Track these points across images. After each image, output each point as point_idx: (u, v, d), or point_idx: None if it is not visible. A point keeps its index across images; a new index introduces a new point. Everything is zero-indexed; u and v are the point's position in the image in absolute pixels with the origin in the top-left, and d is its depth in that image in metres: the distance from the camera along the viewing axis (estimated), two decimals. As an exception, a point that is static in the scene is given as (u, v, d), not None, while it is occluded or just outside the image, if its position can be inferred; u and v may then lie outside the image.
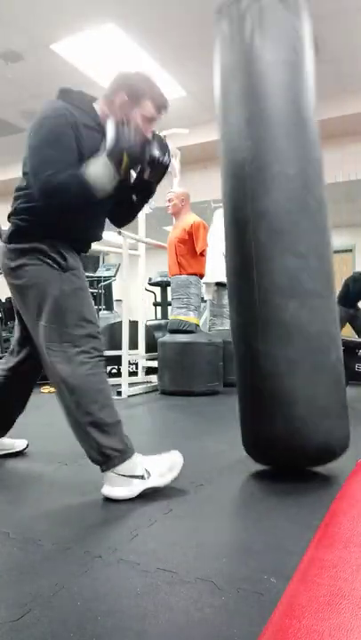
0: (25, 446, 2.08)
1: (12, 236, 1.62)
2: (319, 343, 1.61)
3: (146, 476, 1.52)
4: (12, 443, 2.06)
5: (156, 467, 1.56)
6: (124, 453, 1.51)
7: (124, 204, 1.75)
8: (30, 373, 1.89)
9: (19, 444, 2.07)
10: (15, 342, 1.88)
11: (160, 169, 1.58)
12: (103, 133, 1.52)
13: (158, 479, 1.54)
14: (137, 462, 1.53)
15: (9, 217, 1.65)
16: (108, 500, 1.50)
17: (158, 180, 1.64)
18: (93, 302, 1.72)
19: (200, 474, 1.75)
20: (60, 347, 1.53)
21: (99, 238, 1.80)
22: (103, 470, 1.52)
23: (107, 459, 1.50)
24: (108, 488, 1.51)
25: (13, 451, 2.05)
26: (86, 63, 4.70)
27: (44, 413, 2.24)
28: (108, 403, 1.54)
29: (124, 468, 1.50)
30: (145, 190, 1.70)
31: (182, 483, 1.65)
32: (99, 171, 1.46)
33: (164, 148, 1.57)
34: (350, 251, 9.44)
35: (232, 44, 1.73)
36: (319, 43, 4.20)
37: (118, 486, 1.50)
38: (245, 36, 1.69)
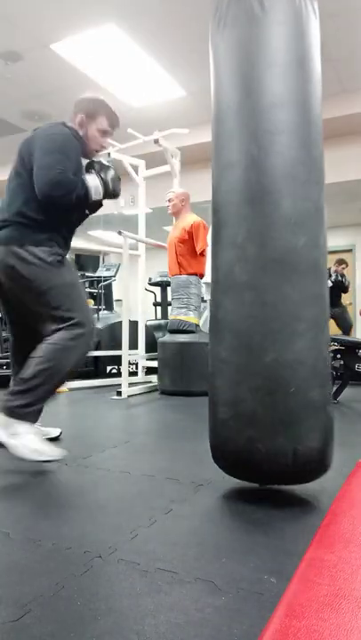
0: (59, 433, 2.34)
1: (10, 237, 1.89)
2: (249, 341, 1.39)
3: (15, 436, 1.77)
4: (49, 430, 2.28)
5: (32, 441, 1.79)
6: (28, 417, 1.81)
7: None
8: None
9: (54, 431, 2.32)
10: (14, 352, 2.15)
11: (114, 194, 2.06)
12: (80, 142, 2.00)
13: (22, 448, 1.77)
14: (30, 428, 1.81)
15: (4, 220, 1.92)
16: (108, 500, 1.50)
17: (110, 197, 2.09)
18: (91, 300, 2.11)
19: (200, 474, 1.75)
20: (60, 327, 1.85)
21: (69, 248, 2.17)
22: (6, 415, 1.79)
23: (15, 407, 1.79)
24: None
25: (52, 436, 2.28)
26: (86, 63, 4.69)
27: (44, 413, 2.24)
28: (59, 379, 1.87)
29: (20, 423, 1.79)
30: (96, 206, 2.12)
31: (182, 483, 1.65)
32: (95, 183, 1.95)
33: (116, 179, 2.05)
34: (350, 251, 9.44)
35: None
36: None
37: (4, 430, 1.78)
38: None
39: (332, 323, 6.29)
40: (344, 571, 0.56)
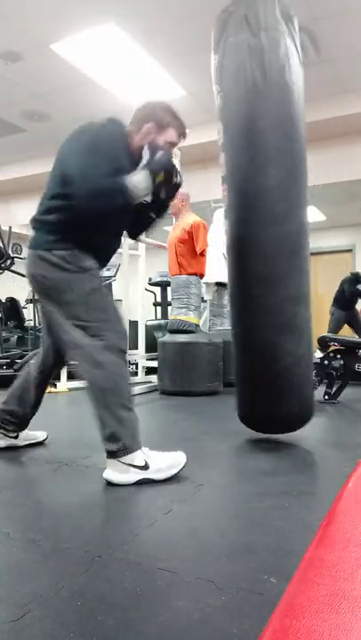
0: (45, 437, 2.27)
1: (44, 243, 1.75)
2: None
3: (144, 467, 1.64)
4: (35, 434, 2.24)
5: (157, 462, 1.67)
6: (131, 447, 1.64)
7: (142, 219, 1.97)
8: (51, 375, 2.15)
9: (40, 435, 2.26)
10: (45, 348, 2.08)
11: (175, 189, 1.84)
12: (130, 160, 1.75)
13: (155, 473, 1.65)
14: (138, 454, 1.65)
15: (37, 222, 1.77)
16: (108, 500, 1.50)
17: (172, 198, 1.89)
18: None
19: (200, 474, 1.75)
20: (90, 341, 1.69)
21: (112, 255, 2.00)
22: (109, 457, 1.65)
23: (115, 449, 1.64)
24: (109, 472, 1.65)
25: (36, 440, 2.24)
26: (86, 63, 4.69)
27: (43, 414, 2.24)
28: (127, 398, 1.71)
29: (126, 457, 1.63)
30: (161, 207, 1.94)
31: (182, 483, 1.65)
32: (140, 181, 1.67)
33: (176, 170, 1.84)
34: (350, 251, 9.44)
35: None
36: (320, 42, 4.20)
37: (118, 472, 1.63)
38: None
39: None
40: (344, 571, 0.56)
